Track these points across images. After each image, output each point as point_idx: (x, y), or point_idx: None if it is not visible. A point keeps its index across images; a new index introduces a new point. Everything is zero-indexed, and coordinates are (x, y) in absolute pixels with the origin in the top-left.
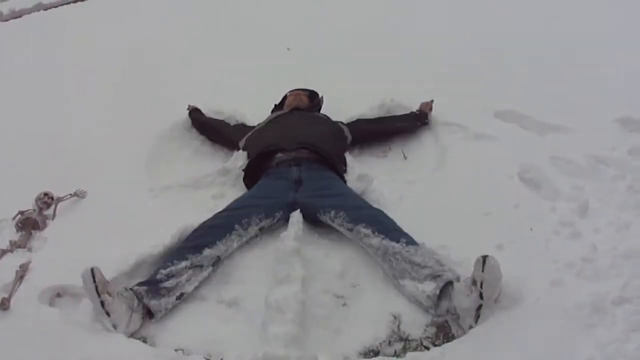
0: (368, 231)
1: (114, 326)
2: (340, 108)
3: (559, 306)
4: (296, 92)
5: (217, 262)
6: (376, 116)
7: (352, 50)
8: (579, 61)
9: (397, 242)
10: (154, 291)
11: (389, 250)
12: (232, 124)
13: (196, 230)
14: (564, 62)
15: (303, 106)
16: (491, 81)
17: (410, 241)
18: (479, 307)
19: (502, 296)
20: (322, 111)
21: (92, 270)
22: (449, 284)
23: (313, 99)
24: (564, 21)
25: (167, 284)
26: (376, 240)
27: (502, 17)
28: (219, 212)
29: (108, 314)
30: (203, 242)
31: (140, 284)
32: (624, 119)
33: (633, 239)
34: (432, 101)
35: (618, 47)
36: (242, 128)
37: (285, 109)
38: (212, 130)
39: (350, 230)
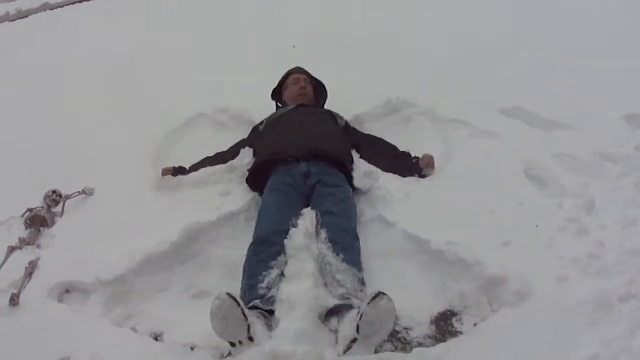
0: (323, 234)
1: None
2: (345, 105)
3: (564, 302)
4: (299, 75)
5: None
6: (382, 115)
7: (356, 47)
8: (585, 57)
9: (337, 255)
10: (266, 302)
11: (325, 258)
12: (233, 126)
13: (262, 241)
14: (569, 59)
15: (308, 101)
16: (496, 78)
17: (348, 260)
18: (354, 340)
19: (506, 293)
20: (326, 106)
21: (228, 294)
22: (348, 307)
23: (318, 92)
24: (569, 17)
25: (273, 291)
26: (321, 244)
27: (507, 14)
28: (263, 223)
29: (252, 339)
30: (276, 250)
31: (256, 298)
32: (630, 115)
33: (639, 236)
34: (433, 160)
35: (625, 44)
36: (253, 135)
37: (290, 103)
38: (228, 158)
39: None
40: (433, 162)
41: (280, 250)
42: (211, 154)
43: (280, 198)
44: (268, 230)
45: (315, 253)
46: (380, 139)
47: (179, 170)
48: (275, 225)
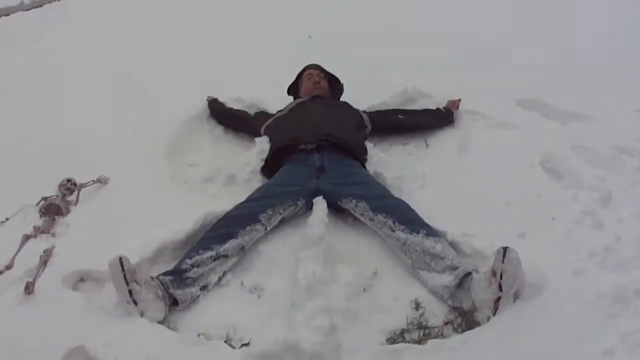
0: (389, 221)
1: (142, 314)
2: (361, 96)
3: (580, 296)
4: (314, 71)
5: (241, 251)
6: (398, 105)
7: (373, 37)
8: (603, 49)
9: (417, 233)
10: (179, 281)
11: (408, 241)
12: (253, 112)
13: (220, 220)
14: (587, 51)
15: (323, 93)
16: (513, 69)
17: (431, 232)
18: (498, 299)
19: (519, 289)
20: (342, 98)
21: (120, 258)
22: (467, 275)
23: (334, 86)
24: (588, 8)
25: (192, 273)
26: (396, 231)
27: (525, 4)
28: (243, 202)
29: (135, 303)
30: (227, 232)
31: (166, 273)
32: None
33: None
34: (459, 100)
35: None
36: (264, 115)
37: (305, 96)
38: (232, 118)
39: (372, 219)
40: (459, 103)
41: (231, 235)
42: (227, 144)
43: (273, 188)
44: (234, 212)
45: (394, 239)
46: (409, 110)
47: (215, 100)
48: (243, 210)
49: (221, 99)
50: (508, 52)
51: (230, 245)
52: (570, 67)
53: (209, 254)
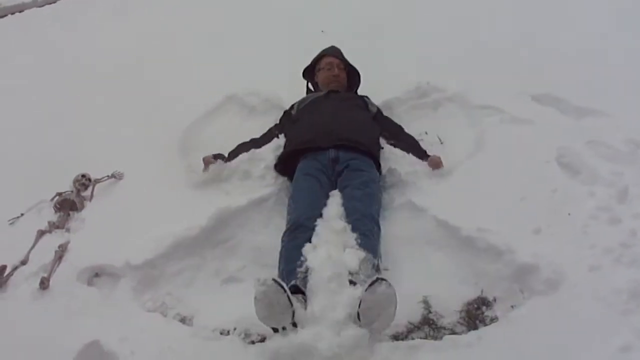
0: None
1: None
2: (375, 90)
3: (596, 291)
4: (334, 60)
5: None
6: (412, 100)
7: (386, 32)
8: (617, 44)
9: (354, 240)
10: (303, 283)
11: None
12: (263, 110)
13: (298, 226)
14: (602, 45)
15: (341, 88)
16: (528, 64)
17: (365, 245)
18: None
19: (538, 281)
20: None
21: (280, 283)
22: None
23: (352, 78)
24: (601, 5)
25: (307, 278)
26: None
27: (538, 1)
28: (296, 209)
29: (296, 325)
30: (310, 236)
31: (293, 278)
32: None
33: None
34: (441, 164)
35: None
36: (283, 122)
37: (322, 87)
38: (259, 146)
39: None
40: (439, 165)
41: (313, 235)
42: (243, 140)
43: (312, 183)
44: (301, 216)
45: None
46: (407, 134)
47: (219, 157)
48: (307, 211)
49: (235, 91)
50: (523, 47)
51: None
52: (585, 62)
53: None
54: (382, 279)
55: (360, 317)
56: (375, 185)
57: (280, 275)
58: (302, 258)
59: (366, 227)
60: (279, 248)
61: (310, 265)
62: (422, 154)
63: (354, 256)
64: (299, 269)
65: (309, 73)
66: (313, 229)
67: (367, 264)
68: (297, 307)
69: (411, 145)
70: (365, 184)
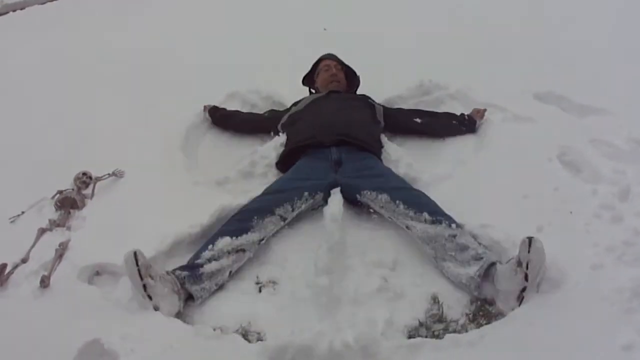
0: (410, 212)
1: (156, 308)
2: (377, 89)
3: (599, 290)
4: (331, 62)
5: (257, 245)
6: (415, 98)
7: (388, 30)
8: (620, 42)
9: (440, 223)
10: (195, 276)
11: (430, 232)
12: (265, 109)
13: (236, 214)
14: (604, 45)
15: (340, 88)
16: (531, 62)
17: (452, 223)
18: (524, 289)
19: (541, 280)
20: (359, 91)
21: (134, 253)
22: (491, 265)
23: (350, 79)
24: (603, 4)
25: (208, 268)
26: (418, 222)
27: None
28: (259, 195)
29: (150, 297)
30: (244, 226)
31: (182, 268)
32: None
33: None
34: (485, 110)
35: None
36: (277, 113)
37: (322, 90)
38: (241, 121)
39: (393, 211)
40: (484, 112)
41: (248, 228)
42: (243, 138)
43: (290, 181)
44: (250, 205)
45: (415, 230)
46: (428, 112)
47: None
48: (260, 203)
49: (237, 89)
50: (524, 45)
51: (246, 238)
52: (588, 60)
53: (225, 248)
54: (530, 237)
55: (529, 278)
56: (392, 171)
57: (195, 254)
58: (213, 245)
59: (432, 208)
60: (279, 246)
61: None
62: (456, 116)
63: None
64: (202, 253)
65: (309, 79)
66: (251, 222)
67: (469, 237)
68: (147, 282)
69: (444, 118)
70: (380, 174)
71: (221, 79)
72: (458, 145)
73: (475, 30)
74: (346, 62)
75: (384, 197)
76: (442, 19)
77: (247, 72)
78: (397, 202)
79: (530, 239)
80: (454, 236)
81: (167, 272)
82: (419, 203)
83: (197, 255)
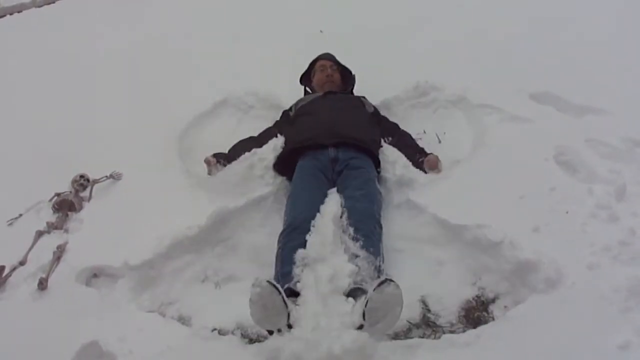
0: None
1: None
2: (374, 90)
3: (595, 290)
4: (326, 62)
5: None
6: (411, 99)
7: (385, 31)
8: (617, 43)
9: (356, 241)
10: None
11: (345, 244)
12: (262, 110)
13: (295, 228)
14: (600, 45)
15: (336, 88)
16: (527, 63)
17: (366, 246)
18: (360, 326)
19: (537, 279)
20: (356, 92)
21: (269, 281)
22: (363, 292)
23: (346, 79)
24: (599, 4)
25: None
26: (345, 234)
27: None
28: (293, 209)
29: (291, 327)
30: (301, 243)
31: (288, 292)
32: None
33: None
34: (438, 167)
35: None
36: (282, 121)
37: (318, 89)
38: (259, 145)
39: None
40: (437, 165)
41: (309, 236)
42: (242, 138)
43: (310, 184)
44: (299, 217)
45: (338, 237)
46: (403, 132)
47: (221, 157)
48: (305, 212)
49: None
50: (521, 45)
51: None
52: (584, 61)
53: (305, 258)
54: (390, 280)
55: (366, 317)
56: (375, 184)
57: (276, 277)
58: (298, 260)
59: (368, 227)
60: (276, 248)
61: (307, 263)
62: (419, 152)
63: (351, 262)
64: (295, 271)
65: (306, 79)
66: (309, 230)
67: (369, 266)
68: (292, 308)
69: (407, 145)
70: (365, 183)
71: (218, 80)
72: (454, 146)
73: (472, 31)
74: (343, 62)
75: (346, 213)
76: (440, 20)
77: (244, 73)
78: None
79: (383, 282)
80: (356, 256)
81: (283, 299)
82: (359, 218)
83: (287, 277)
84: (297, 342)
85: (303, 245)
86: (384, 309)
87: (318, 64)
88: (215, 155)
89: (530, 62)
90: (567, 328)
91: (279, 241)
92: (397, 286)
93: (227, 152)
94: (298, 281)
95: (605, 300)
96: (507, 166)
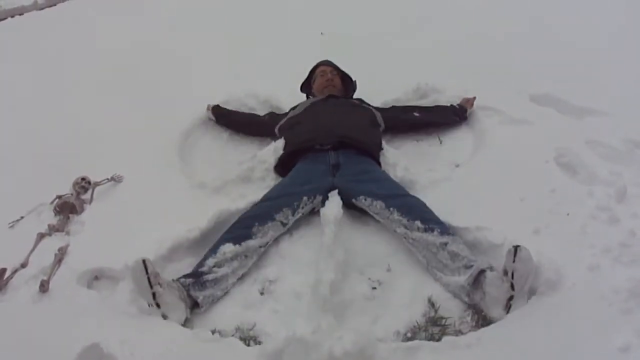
0: (403, 220)
1: (164, 316)
2: (374, 92)
3: (596, 291)
4: (326, 67)
5: (259, 251)
6: (412, 101)
7: (385, 34)
8: (617, 44)
9: (432, 231)
10: (199, 284)
11: (422, 240)
12: (264, 111)
13: (237, 221)
14: (599, 46)
15: (337, 92)
16: (526, 65)
17: (445, 230)
18: (510, 298)
19: (538, 282)
20: (355, 95)
21: (143, 261)
22: (481, 272)
23: (347, 83)
24: (599, 5)
25: (212, 276)
26: (411, 230)
27: (536, 1)
28: (259, 202)
29: (158, 305)
30: (245, 233)
31: (186, 276)
32: None
33: None
34: (474, 98)
35: None
36: (275, 116)
37: (318, 95)
38: (243, 122)
39: (387, 218)
40: (473, 101)
41: (249, 235)
42: (240, 143)
43: (289, 187)
44: (250, 212)
45: (408, 238)
46: (422, 107)
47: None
48: (260, 210)
49: (234, 93)
50: (521, 47)
51: (248, 245)
52: (584, 62)
53: (228, 254)
54: (518, 245)
55: (515, 287)
56: (388, 176)
57: (199, 262)
58: (217, 253)
59: (426, 214)
60: (277, 250)
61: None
62: (451, 110)
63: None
64: (206, 261)
65: (306, 86)
66: (251, 229)
67: (462, 245)
68: (157, 290)
69: (438, 110)
70: (376, 179)
71: (219, 82)
72: (455, 148)
73: (473, 32)
74: (343, 65)
75: (379, 203)
76: (440, 21)
77: (244, 75)
78: (392, 209)
79: (516, 248)
80: (445, 244)
81: (173, 280)
82: (413, 210)
83: (200, 264)
84: (297, 344)
85: (236, 240)
86: (526, 273)
87: (318, 70)
88: (214, 109)
89: (530, 64)
90: (568, 329)
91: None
92: (525, 248)
93: (226, 111)
94: (205, 275)
95: (606, 301)
96: (507, 168)
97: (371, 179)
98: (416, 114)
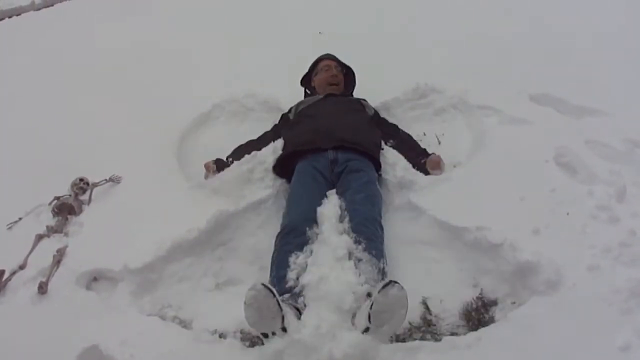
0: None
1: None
2: (374, 92)
3: (596, 291)
4: (331, 62)
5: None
6: (411, 101)
7: (384, 33)
8: (615, 44)
9: (358, 244)
10: (295, 295)
11: (348, 247)
12: (262, 112)
13: (283, 236)
14: (599, 45)
15: (338, 89)
16: (526, 64)
17: (369, 249)
18: (366, 329)
19: (537, 281)
20: (355, 94)
21: (264, 284)
22: (367, 295)
23: (348, 80)
24: (599, 5)
25: (298, 285)
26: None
27: (536, 1)
28: (288, 214)
29: (285, 330)
30: (301, 240)
31: (280, 293)
32: None
33: None
34: (441, 167)
35: None
36: (279, 126)
37: (319, 89)
38: (252, 150)
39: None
40: (439, 165)
41: (307, 239)
42: (240, 142)
43: (308, 186)
44: (295, 219)
45: (341, 240)
46: (404, 134)
47: (220, 163)
48: (302, 214)
49: (233, 94)
50: (521, 46)
51: (308, 249)
52: (583, 62)
53: (303, 262)
54: (395, 282)
55: (372, 320)
56: (375, 186)
57: (272, 280)
58: (292, 264)
59: (369, 230)
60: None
61: (308, 264)
62: (420, 153)
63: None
64: (289, 276)
65: (306, 80)
66: (305, 233)
67: (373, 268)
68: (286, 312)
69: (408, 147)
70: (365, 185)
71: (217, 82)
72: (454, 148)
73: (472, 32)
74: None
75: (347, 216)
76: (440, 20)
77: (243, 76)
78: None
79: (387, 283)
80: (360, 261)
81: (278, 302)
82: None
83: (281, 280)
84: (298, 346)
85: (299, 248)
86: (390, 311)
87: (322, 64)
88: (216, 162)
89: (530, 64)
90: (568, 329)
91: (275, 244)
92: (402, 288)
93: (225, 158)
94: (293, 285)
95: (606, 301)
96: (507, 168)
97: (362, 198)
98: (391, 141)
